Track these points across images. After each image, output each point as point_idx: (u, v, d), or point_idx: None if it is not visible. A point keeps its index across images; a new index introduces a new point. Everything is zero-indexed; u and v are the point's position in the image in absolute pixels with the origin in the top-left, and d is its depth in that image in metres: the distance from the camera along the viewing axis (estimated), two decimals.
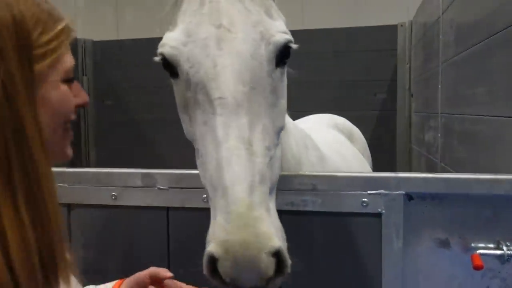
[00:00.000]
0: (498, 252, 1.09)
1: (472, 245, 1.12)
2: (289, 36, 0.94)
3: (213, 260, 0.81)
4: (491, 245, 1.11)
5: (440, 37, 2.58)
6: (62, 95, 0.82)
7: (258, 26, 0.91)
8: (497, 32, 1.63)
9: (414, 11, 3.70)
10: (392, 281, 1.14)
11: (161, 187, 1.27)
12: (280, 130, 0.97)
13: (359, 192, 1.14)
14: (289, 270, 0.83)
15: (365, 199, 1.14)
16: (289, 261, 0.83)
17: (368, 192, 1.13)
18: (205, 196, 1.22)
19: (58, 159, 0.88)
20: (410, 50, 3.82)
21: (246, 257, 0.77)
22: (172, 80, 0.98)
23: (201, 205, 1.23)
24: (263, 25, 0.91)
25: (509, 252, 1.08)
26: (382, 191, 1.13)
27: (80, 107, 0.88)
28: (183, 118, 0.98)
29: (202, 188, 1.20)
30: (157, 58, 0.95)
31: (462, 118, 2.03)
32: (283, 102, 0.99)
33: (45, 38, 0.78)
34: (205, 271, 0.83)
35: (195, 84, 0.90)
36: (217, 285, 0.83)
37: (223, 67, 0.88)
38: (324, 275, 1.19)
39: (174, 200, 1.26)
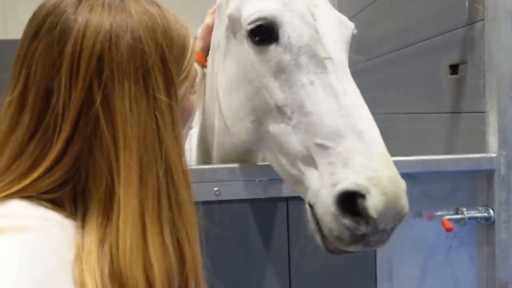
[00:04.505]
0: (459, 216, 1.37)
1: (439, 213, 1.39)
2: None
3: (348, 198, 0.81)
4: (452, 212, 1.39)
5: None
6: (191, 102, 0.85)
7: (334, 10, 1.05)
8: (409, 45, 1.99)
9: None
10: (382, 249, 1.34)
11: None
12: None
13: None
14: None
15: None
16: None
17: None
18: (216, 189, 1.26)
19: None
20: None
21: (393, 192, 0.80)
22: (256, 49, 1.00)
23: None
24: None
25: (468, 215, 1.37)
26: None
27: None
28: (272, 85, 0.98)
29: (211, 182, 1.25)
30: (249, 25, 0.98)
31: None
32: None
33: (185, 62, 0.80)
34: (336, 209, 0.81)
35: (297, 47, 0.96)
36: (348, 224, 0.82)
37: (324, 34, 0.97)
38: None
39: None
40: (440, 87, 1.76)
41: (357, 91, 0.95)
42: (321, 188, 0.87)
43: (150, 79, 0.73)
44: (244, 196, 1.28)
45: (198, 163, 1.48)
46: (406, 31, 2.03)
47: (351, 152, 0.84)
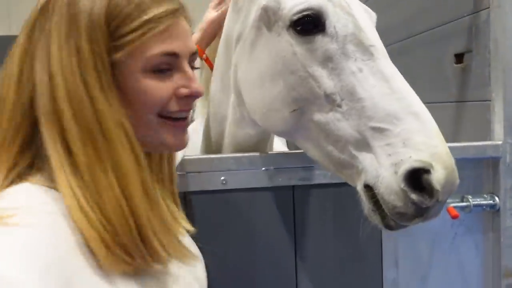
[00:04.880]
0: (464, 203, 1.38)
1: None
2: None
3: (415, 174, 0.87)
4: (458, 200, 1.40)
5: None
6: (141, 87, 0.81)
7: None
8: (414, 35, 1.98)
9: None
10: (389, 237, 1.35)
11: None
12: None
13: None
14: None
15: None
16: None
17: None
18: (223, 178, 1.27)
19: (165, 149, 0.91)
20: None
21: (451, 166, 0.89)
22: (300, 39, 1.03)
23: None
24: None
25: (473, 202, 1.38)
26: None
27: (188, 98, 0.87)
28: (319, 74, 1.01)
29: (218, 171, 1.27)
30: (296, 15, 1.01)
31: None
32: None
33: (123, 30, 0.79)
34: (405, 186, 0.88)
35: (343, 36, 1.00)
36: (416, 199, 0.88)
37: (365, 24, 1.03)
38: (334, 235, 1.35)
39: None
40: (445, 76, 1.76)
41: (401, 76, 1.00)
42: (380, 168, 0.93)
43: (76, 26, 0.77)
44: (251, 185, 1.29)
45: (203, 153, 1.49)
46: (410, 21, 2.03)
47: (411, 132, 0.91)
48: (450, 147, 1.40)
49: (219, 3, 1.41)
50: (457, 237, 1.42)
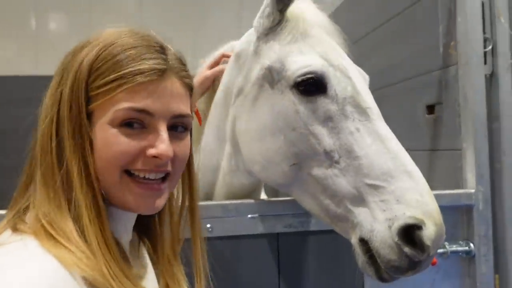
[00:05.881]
0: (442, 250, 1.43)
1: None
2: None
3: (408, 230, 0.94)
4: None
5: None
6: (107, 138, 0.81)
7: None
8: (388, 85, 2.09)
9: None
10: (371, 284, 1.37)
11: None
12: None
13: None
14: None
15: None
16: None
17: None
18: (209, 225, 1.28)
19: (128, 209, 0.86)
20: None
21: (440, 223, 0.95)
22: (303, 99, 1.10)
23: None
24: None
25: (450, 249, 1.43)
26: None
27: (156, 159, 0.83)
28: (319, 132, 1.08)
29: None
30: (300, 77, 1.09)
31: None
32: None
33: (98, 82, 0.82)
34: (399, 240, 0.94)
35: (342, 98, 1.08)
36: (409, 253, 0.94)
37: (361, 87, 1.11)
38: (318, 281, 1.36)
39: None
40: (419, 125, 1.85)
41: (395, 136, 1.08)
42: (375, 223, 0.98)
43: (62, 80, 0.84)
44: (236, 232, 1.30)
45: None
46: (385, 72, 2.15)
47: (404, 190, 0.97)
48: None
49: (215, 64, 1.50)
50: (435, 283, 1.46)
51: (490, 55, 1.53)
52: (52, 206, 0.79)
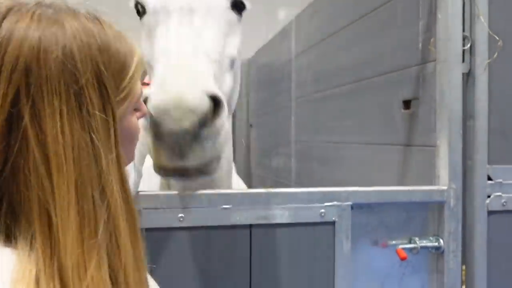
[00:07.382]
0: (412, 245, 1.44)
1: (393, 242, 1.45)
2: None
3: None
4: (406, 241, 1.46)
5: (293, 77, 3.04)
6: (134, 123, 0.84)
7: None
8: (365, 79, 2.09)
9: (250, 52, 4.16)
10: (343, 276, 1.38)
11: None
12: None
13: (317, 205, 1.35)
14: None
15: (323, 210, 1.35)
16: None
17: (325, 204, 1.35)
18: (181, 215, 1.25)
19: None
20: (248, 86, 4.28)
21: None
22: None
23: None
24: None
25: (420, 244, 1.44)
26: (335, 202, 1.36)
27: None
28: None
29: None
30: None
31: (325, 145, 2.45)
32: None
33: (125, 80, 0.77)
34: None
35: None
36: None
37: None
38: (290, 273, 1.35)
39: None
40: (394, 120, 1.86)
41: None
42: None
43: (83, 98, 0.69)
44: (208, 223, 1.28)
45: (160, 188, 1.46)
46: (361, 65, 2.14)
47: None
48: (398, 191, 1.48)
49: None
50: (404, 277, 1.47)
51: (468, 53, 1.54)
52: None
